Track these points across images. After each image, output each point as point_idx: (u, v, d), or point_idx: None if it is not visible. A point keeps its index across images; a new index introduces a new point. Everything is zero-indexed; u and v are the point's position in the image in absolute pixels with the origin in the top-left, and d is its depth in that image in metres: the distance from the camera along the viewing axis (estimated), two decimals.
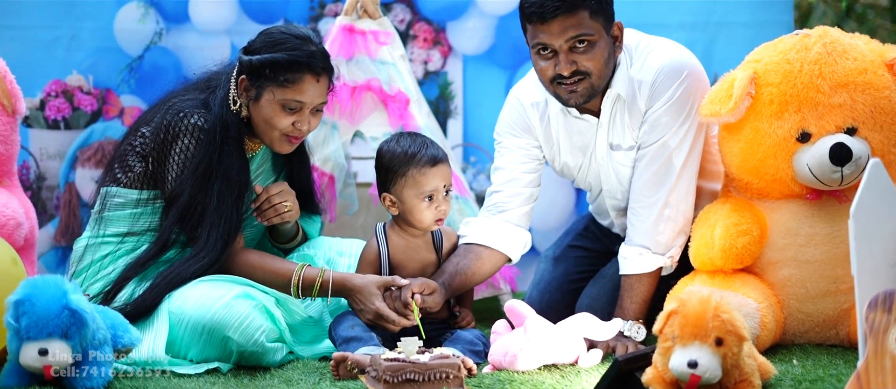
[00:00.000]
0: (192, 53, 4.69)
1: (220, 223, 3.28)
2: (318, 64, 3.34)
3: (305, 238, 3.65)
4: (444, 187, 3.37)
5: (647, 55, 3.50)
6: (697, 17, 4.71)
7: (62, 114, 4.70)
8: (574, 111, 3.55)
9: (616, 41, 3.44)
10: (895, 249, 2.53)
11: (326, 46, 4.04)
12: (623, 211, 3.68)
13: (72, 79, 4.71)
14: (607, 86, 3.48)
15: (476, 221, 3.63)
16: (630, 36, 3.55)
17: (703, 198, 3.64)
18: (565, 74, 3.38)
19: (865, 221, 2.50)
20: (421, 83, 4.74)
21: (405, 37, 4.77)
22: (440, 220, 3.38)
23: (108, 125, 4.71)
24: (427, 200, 3.34)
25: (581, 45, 3.35)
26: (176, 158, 3.31)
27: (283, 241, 3.60)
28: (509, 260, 3.64)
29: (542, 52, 3.40)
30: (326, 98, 3.41)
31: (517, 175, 3.66)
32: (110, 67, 4.72)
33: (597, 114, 3.55)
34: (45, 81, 4.70)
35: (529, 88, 3.64)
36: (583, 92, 3.42)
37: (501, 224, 3.61)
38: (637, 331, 3.43)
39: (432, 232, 3.46)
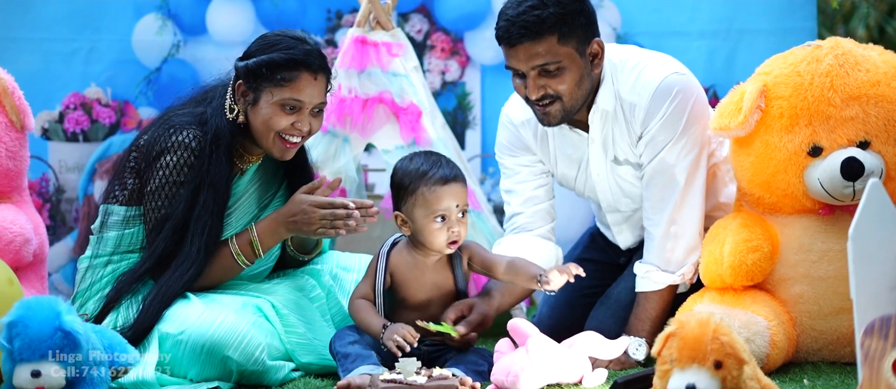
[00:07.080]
0: (210, 65, 4.66)
1: (204, 233, 3.26)
2: (315, 62, 3.31)
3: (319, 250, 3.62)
4: (458, 207, 3.21)
5: (637, 75, 3.42)
6: (719, 25, 4.63)
7: (81, 126, 4.72)
8: (564, 125, 3.50)
9: (595, 59, 3.37)
10: (894, 272, 2.46)
11: (339, 58, 4.06)
12: (625, 224, 3.64)
13: (90, 91, 4.72)
14: (592, 101, 3.43)
15: (505, 240, 3.58)
16: (617, 51, 3.49)
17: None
18: (533, 97, 3.34)
19: (864, 243, 2.43)
20: (438, 94, 4.70)
21: (423, 47, 4.74)
22: (454, 242, 3.23)
23: (126, 137, 4.71)
24: (439, 220, 3.19)
25: (550, 70, 3.30)
26: (159, 172, 3.29)
27: (305, 251, 3.57)
28: None
29: (514, 72, 3.36)
30: (325, 99, 3.37)
31: (531, 193, 3.63)
32: (128, 80, 4.73)
33: (587, 128, 3.50)
34: (63, 94, 4.72)
35: (519, 105, 3.59)
36: (555, 114, 3.36)
37: (532, 239, 3.57)
38: (637, 348, 3.36)
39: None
